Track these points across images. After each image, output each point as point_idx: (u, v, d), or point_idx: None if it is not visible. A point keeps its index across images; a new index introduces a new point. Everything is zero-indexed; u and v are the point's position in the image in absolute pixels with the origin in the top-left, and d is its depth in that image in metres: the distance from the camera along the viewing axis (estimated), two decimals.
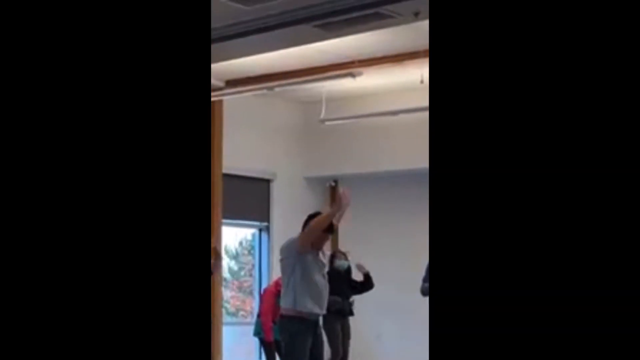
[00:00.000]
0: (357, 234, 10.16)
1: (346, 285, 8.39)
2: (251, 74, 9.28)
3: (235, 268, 11.56)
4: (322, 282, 6.07)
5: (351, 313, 8.45)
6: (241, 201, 10.63)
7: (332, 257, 8.44)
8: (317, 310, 6.04)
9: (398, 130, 10.18)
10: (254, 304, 10.81)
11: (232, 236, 11.28)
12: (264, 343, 8.59)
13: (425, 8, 5.66)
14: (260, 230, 11.14)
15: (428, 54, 7.36)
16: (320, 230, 5.93)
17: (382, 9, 6.10)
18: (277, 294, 7.25)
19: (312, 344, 6.06)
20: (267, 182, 11.10)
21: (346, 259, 8.61)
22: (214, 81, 8.97)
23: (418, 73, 8.44)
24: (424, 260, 6.55)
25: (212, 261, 7.98)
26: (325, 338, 7.03)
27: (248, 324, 9.05)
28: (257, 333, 8.65)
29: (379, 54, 8.43)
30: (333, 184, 11.73)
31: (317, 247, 6.09)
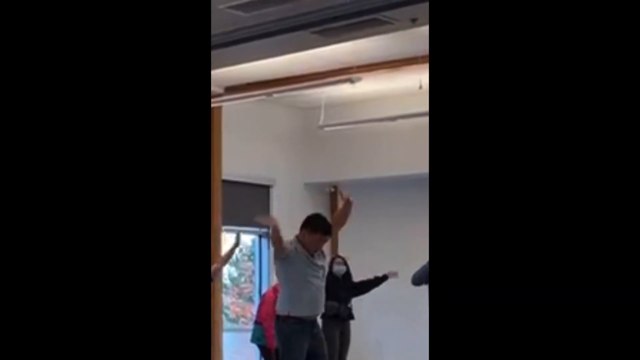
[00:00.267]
0: (357, 239, 10.15)
1: (344, 290, 8.38)
2: (250, 80, 9.29)
3: (235, 274, 11.56)
4: (316, 285, 6.08)
5: (350, 317, 8.44)
6: (241, 207, 10.62)
7: (331, 262, 8.44)
8: (311, 313, 6.06)
9: (397, 136, 10.18)
10: (254, 311, 10.81)
11: (232, 242, 11.25)
12: (262, 349, 8.57)
13: (423, 14, 5.68)
14: (260, 236, 11.14)
15: (426, 59, 7.39)
16: (274, 239, 6.06)
17: (380, 15, 6.11)
18: (276, 300, 7.25)
19: (311, 345, 6.06)
20: (267, 188, 11.10)
21: (345, 263, 8.61)
22: (213, 88, 8.98)
23: (416, 79, 8.46)
24: None
25: (214, 266, 7.99)
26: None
27: (248, 330, 9.04)
28: (255, 339, 8.63)
29: (378, 60, 8.44)
30: (332, 189, 11.73)
31: (314, 249, 6.14)
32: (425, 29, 4.93)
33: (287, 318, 6.04)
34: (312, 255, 6.16)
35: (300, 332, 6.01)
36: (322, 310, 6.27)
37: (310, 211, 10.52)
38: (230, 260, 8.97)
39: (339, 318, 8.23)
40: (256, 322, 8.77)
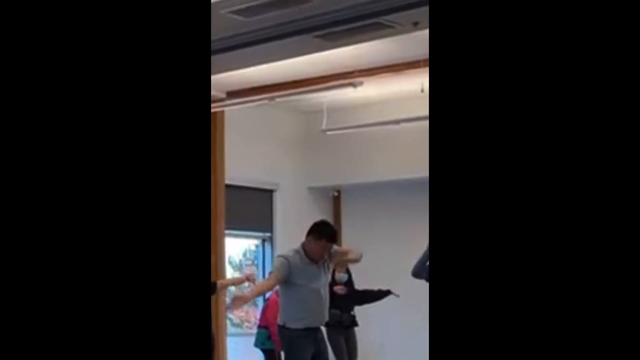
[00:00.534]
0: (360, 243, 10.13)
1: (346, 298, 8.37)
2: (252, 85, 9.30)
3: None
4: (319, 294, 5.99)
5: (354, 324, 8.43)
6: (244, 212, 10.63)
7: (333, 270, 8.43)
8: (313, 323, 6.01)
9: (400, 139, 10.19)
10: (258, 315, 10.81)
11: (236, 247, 11.28)
12: (266, 353, 8.57)
13: (424, 18, 5.68)
14: (263, 240, 11.15)
15: (428, 63, 7.39)
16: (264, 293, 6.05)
17: (382, 19, 6.12)
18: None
19: (316, 350, 6.03)
20: (270, 192, 11.11)
21: (347, 271, 8.60)
22: (215, 92, 8.99)
23: (418, 82, 8.46)
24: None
25: (220, 281, 8.03)
26: (330, 349, 7.03)
27: (252, 335, 9.04)
28: (259, 344, 8.63)
29: (379, 64, 8.45)
30: (336, 194, 11.74)
31: (319, 257, 6.05)
32: (426, 33, 4.93)
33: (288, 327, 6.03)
34: (317, 264, 6.07)
35: (303, 337, 5.99)
36: (326, 318, 6.23)
37: (314, 215, 10.54)
38: (232, 266, 8.98)
39: (342, 326, 8.23)
40: (260, 327, 8.77)
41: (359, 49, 7.44)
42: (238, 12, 6.04)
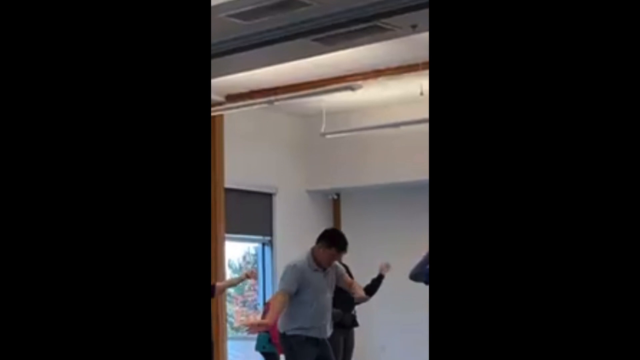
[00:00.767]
0: (360, 246, 10.15)
1: (347, 298, 8.38)
2: (251, 89, 9.31)
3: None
4: (325, 302, 6.03)
5: (354, 324, 8.44)
6: (244, 215, 10.64)
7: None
8: (315, 335, 6.01)
9: (399, 142, 10.20)
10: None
11: (236, 251, 11.29)
12: (267, 356, 8.57)
13: (423, 20, 5.68)
14: (263, 244, 11.15)
15: (427, 66, 7.40)
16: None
17: (381, 22, 6.12)
18: None
19: (318, 351, 6.04)
20: (270, 196, 11.11)
21: (348, 272, 8.60)
22: (214, 96, 8.99)
23: (417, 85, 8.47)
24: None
25: (219, 283, 8.01)
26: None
27: (252, 338, 9.04)
28: (260, 347, 8.63)
29: (378, 67, 8.46)
30: (335, 197, 11.74)
31: (327, 264, 6.08)
32: (425, 36, 4.94)
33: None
34: (324, 271, 6.07)
35: (305, 340, 6.00)
36: (329, 333, 6.24)
37: (313, 218, 10.58)
38: (232, 269, 8.98)
39: (344, 326, 8.23)
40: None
41: (358, 52, 7.45)
42: (237, 16, 6.04)
